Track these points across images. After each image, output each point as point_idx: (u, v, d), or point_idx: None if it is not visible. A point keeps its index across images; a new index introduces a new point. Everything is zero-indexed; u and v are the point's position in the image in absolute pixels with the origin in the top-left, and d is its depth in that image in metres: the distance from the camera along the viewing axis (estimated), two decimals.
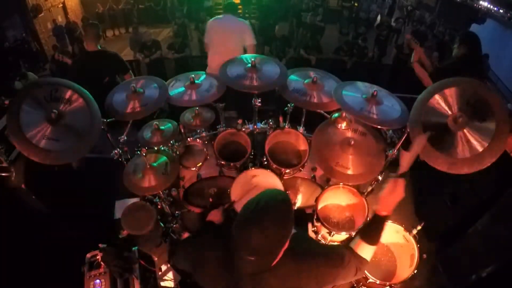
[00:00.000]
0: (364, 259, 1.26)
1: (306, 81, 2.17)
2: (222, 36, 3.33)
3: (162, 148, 2.27)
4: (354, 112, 1.80)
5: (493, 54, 8.17)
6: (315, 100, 2.10)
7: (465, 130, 1.60)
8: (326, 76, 2.27)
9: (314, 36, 7.24)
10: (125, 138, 2.20)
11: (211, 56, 3.51)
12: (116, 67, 3.39)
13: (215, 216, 1.67)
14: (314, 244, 1.45)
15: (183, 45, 6.91)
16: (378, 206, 1.29)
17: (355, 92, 1.94)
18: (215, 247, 1.23)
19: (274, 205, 1.06)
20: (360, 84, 2.02)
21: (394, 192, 1.27)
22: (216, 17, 3.49)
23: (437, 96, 1.66)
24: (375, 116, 1.79)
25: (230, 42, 3.27)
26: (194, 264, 1.28)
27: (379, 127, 1.88)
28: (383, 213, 1.28)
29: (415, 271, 1.88)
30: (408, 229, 2.00)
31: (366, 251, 1.26)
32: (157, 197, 2.39)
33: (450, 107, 1.65)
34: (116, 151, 2.24)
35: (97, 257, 1.94)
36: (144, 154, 2.15)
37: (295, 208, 2.39)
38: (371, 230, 1.30)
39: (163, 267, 2.34)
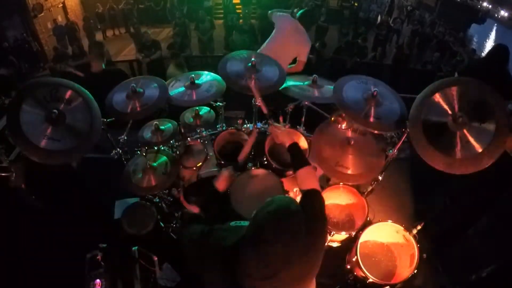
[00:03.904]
0: (318, 192, 1.35)
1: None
2: (287, 39, 3.28)
3: (162, 148, 2.27)
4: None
5: None
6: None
7: (464, 131, 1.60)
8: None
9: (318, 36, 7.23)
10: (125, 138, 2.20)
11: (267, 47, 3.38)
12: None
13: (221, 184, 1.62)
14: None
15: (183, 45, 6.91)
16: (285, 144, 1.57)
17: (355, 94, 1.93)
18: (215, 252, 1.21)
19: (289, 218, 1.04)
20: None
21: (278, 132, 1.63)
22: (291, 16, 3.40)
23: (438, 95, 1.66)
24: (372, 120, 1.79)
25: (288, 49, 3.25)
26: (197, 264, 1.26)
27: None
28: (291, 143, 1.55)
29: (415, 271, 1.88)
30: (408, 229, 2.00)
31: (309, 175, 1.42)
32: (157, 197, 2.39)
33: (450, 107, 1.65)
34: (116, 151, 2.24)
35: (97, 257, 1.94)
36: (144, 154, 2.15)
37: None
38: (297, 159, 1.51)
39: (163, 267, 2.34)
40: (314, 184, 1.38)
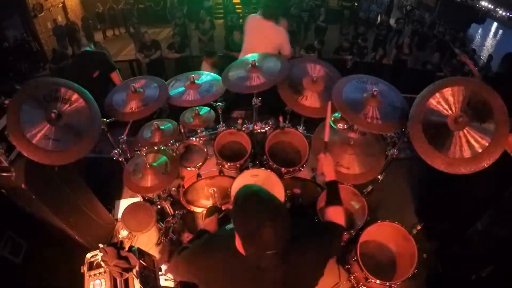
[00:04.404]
0: (340, 225, 1.41)
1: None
2: (255, 38, 3.25)
3: (162, 148, 2.27)
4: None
5: (495, 54, 8.18)
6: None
7: (465, 130, 1.60)
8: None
9: (318, 36, 7.25)
10: (125, 138, 2.20)
11: (242, 54, 3.35)
12: (103, 63, 3.56)
13: (209, 225, 1.68)
14: (308, 224, 1.56)
15: (183, 45, 6.91)
16: (326, 178, 1.54)
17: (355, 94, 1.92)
18: (218, 255, 1.23)
19: (259, 198, 1.09)
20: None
21: (327, 163, 1.56)
22: (257, 15, 3.30)
23: (438, 95, 1.66)
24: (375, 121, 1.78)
25: (262, 46, 3.04)
26: (200, 280, 1.27)
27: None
28: (332, 179, 1.53)
29: (415, 271, 1.88)
30: (408, 229, 2.00)
31: (337, 214, 1.44)
32: (157, 197, 2.39)
33: (450, 107, 1.65)
34: (116, 151, 2.24)
35: (97, 257, 1.94)
36: (144, 154, 2.15)
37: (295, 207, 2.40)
38: (332, 196, 1.49)
39: (163, 267, 2.34)
40: (340, 221, 1.42)
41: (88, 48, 3.80)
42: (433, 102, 1.67)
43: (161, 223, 2.52)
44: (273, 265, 1.10)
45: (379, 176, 2.17)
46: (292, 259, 1.14)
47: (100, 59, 3.60)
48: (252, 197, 1.10)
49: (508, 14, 13.72)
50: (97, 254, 1.96)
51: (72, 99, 1.75)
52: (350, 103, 1.83)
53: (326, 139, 1.68)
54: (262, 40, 3.14)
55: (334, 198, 1.48)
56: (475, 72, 3.76)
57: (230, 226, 1.35)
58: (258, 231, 1.02)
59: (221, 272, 1.20)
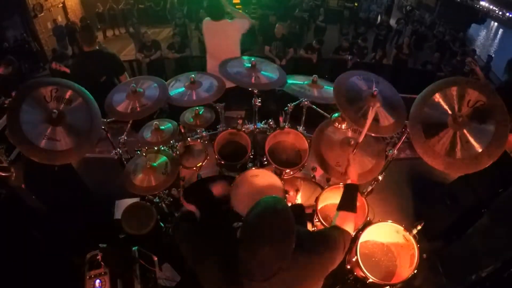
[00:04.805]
0: (348, 232, 1.37)
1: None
2: (220, 41, 3.22)
3: (162, 148, 2.27)
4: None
5: (495, 54, 8.18)
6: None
7: (465, 130, 1.60)
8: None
9: (316, 36, 7.27)
10: (125, 138, 2.20)
11: (210, 62, 3.34)
12: (113, 67, 3.38)
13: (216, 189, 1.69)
14: (311, 234, 1.56)
15: (183, 45, 6.91)
16: (349, 179, 1.60)
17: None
18: (214, 251, 1.23)
19: (277, 218, 1.06)
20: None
21: (354, 166, 1.64)
22: (210, 20, 3.25)
23: (438, 95, 1.66)
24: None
25: (226, 46, 3.17)
26: (194, 263, 1.27)
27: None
28: (353, 182, 1.58)
29: (415, 271, 1.87)
30: (408, 229, 2.00)
31: (348, 221, 1.40)
32: (157, 197, 2.39)
33: (451, 107, 1.65)
34: (116, 151, 2.24)
35: (97, 257, 1.94)
36: (144, 154, 2.15)
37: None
38: (347, 199, 1.48)
39: (163, 267, 2.34)
40: (350, 229, 1.39)
41: (96, 47, 3.43)
42: (433, 101, 1.67)
43: (161, 223, 2.51)
44: (263, 277, 1.08)
45: (379, 176, 2.17)
46: (287, 274, 1.12)
47: (109, 62, 3.39)
48: (272, 213, 1.07)
49: (508, 14, 13.72)
50: (97, 254, 1.96)
51: (72, 99, 1.75)
52: (351, 103, 1.83)
53: (361, 140, 1.72)
54: (225, 41, 3.17)
55: (349, 202, 1.46)
56: (480, 73, 3.76)
57: (237, 224, 1.35)
58: (255, 248, 1.02)
59: (212, 273, 1.20)
